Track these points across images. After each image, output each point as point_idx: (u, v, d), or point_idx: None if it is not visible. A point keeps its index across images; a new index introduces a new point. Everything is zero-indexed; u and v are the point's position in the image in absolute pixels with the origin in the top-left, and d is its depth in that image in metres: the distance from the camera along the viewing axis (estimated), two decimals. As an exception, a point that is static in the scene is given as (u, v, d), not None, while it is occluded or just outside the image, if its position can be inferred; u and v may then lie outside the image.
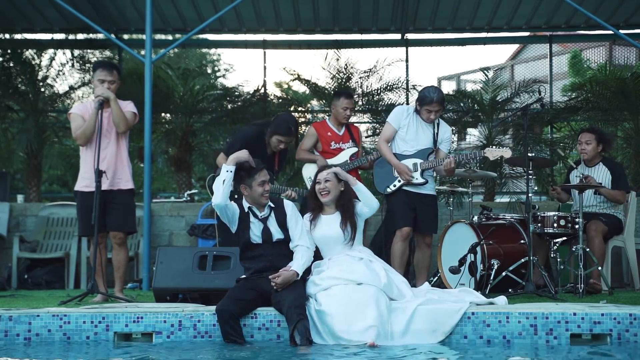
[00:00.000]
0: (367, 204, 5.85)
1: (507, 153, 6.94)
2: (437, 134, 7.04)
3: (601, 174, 7.61)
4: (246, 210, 5.72)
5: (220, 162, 7.23)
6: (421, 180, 6.95)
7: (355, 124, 8.34)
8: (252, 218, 5.70)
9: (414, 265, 7.21)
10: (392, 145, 7.10)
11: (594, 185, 7.34)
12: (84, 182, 6.81)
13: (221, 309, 5.32)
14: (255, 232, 5.67)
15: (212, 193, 7.30)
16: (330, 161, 7.45)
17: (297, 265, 5.56)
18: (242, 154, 5.72)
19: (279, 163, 7.38)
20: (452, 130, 10.21)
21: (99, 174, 6.55)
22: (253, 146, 7.16)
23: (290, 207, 5.79)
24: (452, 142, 7.12)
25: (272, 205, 5.76)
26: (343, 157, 7.53)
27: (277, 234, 5.68)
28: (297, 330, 5.14)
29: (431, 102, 6.90)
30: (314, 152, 7.58)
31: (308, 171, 7.55)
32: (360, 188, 5.84)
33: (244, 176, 5.70)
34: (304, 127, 10.06)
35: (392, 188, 7.04)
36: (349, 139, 7.59)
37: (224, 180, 5.58)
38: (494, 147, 7.21)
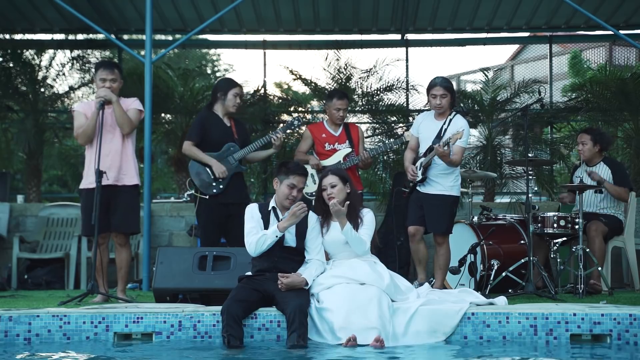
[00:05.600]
0: (357, 250, 5.72)
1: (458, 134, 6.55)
2: (446, 130, 6.80)
3: (602, 173, 7.62)
4: (269, 209, 5.70)
5: (187, 150, 7.24)
6: (420, 178, 6.86)
7: (355, 124, 8.29)
8: (272, 219, 5.66)
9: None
10: None
11: (596, 186, 7.36)
12: (88, 180, 6.75)
13: (227, 310, 5.26)
14: None
15: (195, 191, 7.17)
16: (324, 162, 7.44)
17: (309, 274, 5.53)
18: (292, 221, 5.55)
19: (238, 132, 7.40)
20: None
21: (99, 174, 6.53)
22: (209, 123, 7.27)
23: (314, 219, 5.72)
24: (460, 138, 6.61)
25: None
26: (336, 157, 7.51)
27: (290, 241, 5.63)
28: (295, 333, 5.13)
29: (434, 85, 6.83)
30: (313, 154, 7.58)
31: None
32: (346, 233, 5.64)
33: (282, 171, 5.67)
34: (304, 128, 10.04)
35: (406, 190, 7.08)
36: (346, 139, 7.55)
37: (267, 240, 5.53)
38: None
